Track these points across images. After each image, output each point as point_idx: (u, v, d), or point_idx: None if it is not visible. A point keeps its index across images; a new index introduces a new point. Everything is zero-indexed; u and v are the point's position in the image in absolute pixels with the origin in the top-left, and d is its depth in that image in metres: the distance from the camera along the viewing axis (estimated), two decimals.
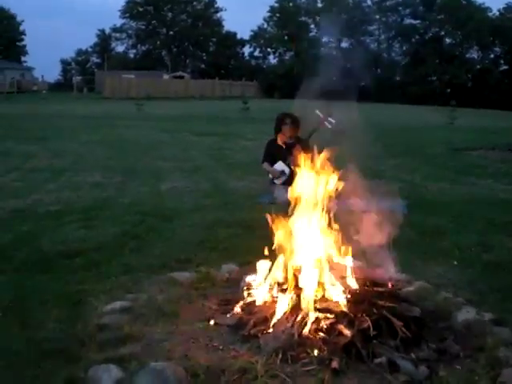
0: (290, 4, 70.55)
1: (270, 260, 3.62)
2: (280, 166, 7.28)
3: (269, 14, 71.56)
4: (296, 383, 2.74)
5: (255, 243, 5.21)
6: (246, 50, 74.88)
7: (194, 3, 71.61)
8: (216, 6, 72.53)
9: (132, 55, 72.47)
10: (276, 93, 61.61)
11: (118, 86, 49.68)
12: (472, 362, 3.01)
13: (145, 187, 8.04)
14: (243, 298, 3.52)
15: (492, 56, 68.12)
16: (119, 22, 70.75)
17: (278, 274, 3.44)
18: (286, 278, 3.34)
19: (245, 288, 3.58)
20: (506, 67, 66.43)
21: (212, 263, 4.49)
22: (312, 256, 3.33)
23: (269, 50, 73.30)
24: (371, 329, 3.03)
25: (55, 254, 4.85)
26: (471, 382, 2.79)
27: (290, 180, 7.20)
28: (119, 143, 13.62)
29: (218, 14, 73.15)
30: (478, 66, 66.40)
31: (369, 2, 70.45)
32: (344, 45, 71.23)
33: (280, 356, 2.90)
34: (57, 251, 4.91)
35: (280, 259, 3.47)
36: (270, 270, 3.53)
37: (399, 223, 3.97)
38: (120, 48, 73.02)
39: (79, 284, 4.10)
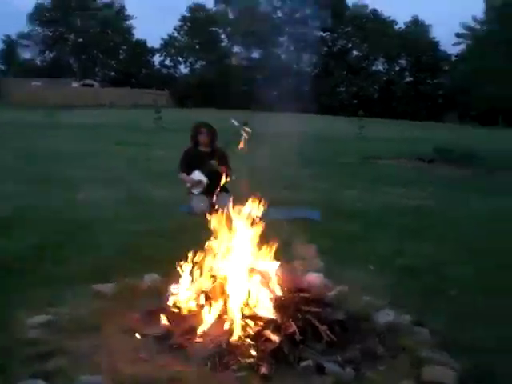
0: (202, 13, 70.69)
1: (194, 269, 3.63)
2: (197, 175, 7.29)
3: (180, 23, 71.45)
4: None
5: (176, 252, 5.20)
6: (157, 58, 74.33)
7: (104, 10, 70.34)
8: (126, 13, 71.67)
9: (39, 62, 70.19)
10: (189, 102, 61.58)
11: (25, 93, 47.97)
12: (395, 361, 3.14)
13: (63, 197, 7.83)
14: (168, 308, 3.50)
15: (398, 68, 70.92)
16: (26, 28, 68.57)
17: (203, 283, 3.45)
18: (212, 287, 3.35)
19: (170, 298, 3.57)
20: (410, 79, 69.37)
21: (134, 273, 4.42)
22: (237, 264, 3.36)
23: (180, 59, 73.06)
24: (297, 334, 3.10)
25: None
26: (396, 380, 2.91)
27: (207, 189, 7.24)
28: (34, 152, 13.17)
29: (129, 22, 72.30)
30: (385, 78, 69.01)
31: (279, 14, 71.71)
32: (255, 55, 72.24)
33: (209, 364, 2.92)
34: None
35: (205, 267, 3.49)
36: (194, 278, 3.54)
37: (315, 230, 4.10)
38: (27, 55, 70.67)
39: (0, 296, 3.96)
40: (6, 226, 6.04)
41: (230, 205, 3.47)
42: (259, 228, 3.53)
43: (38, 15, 67.27)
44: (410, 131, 30.17)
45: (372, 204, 8.34)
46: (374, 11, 69.13)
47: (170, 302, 3.52)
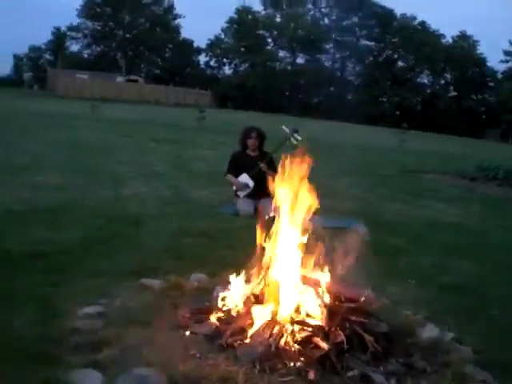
0: (249, 16, 70.98)
1: (242, 271, 3.70)
2: (244, 178, 7.39)
3: (227, 24, 71.90)
4: None
5: (221, 253, 5.33)
6: (202, 58, 74.94)
7: (153, 8, 71.26)
8: (175, 12, 72.47)
9: (86, 55, 71.45)
10: (229, 103, 61.89)
11: (71, 85, 48.83)
12: (438, 377, 3.16)
13: (106, 191, 7.98)
14: (217, 308, 3.58)
15: (443, 82, 70.19)
16: (75, 21, 69.84)
17: (254, 286, 3.52)
18: (262, 291, 3.42)
19: (219, 298, 3.64)
20: (455, 93, 68.58)
21: (179, 271, 4.51)
22: (289, 269, 3.41)
23: (224, 60, 73.52)
24: (345, 343, 3.15)
25: (20, 254, 4.77)
26: None
27: (253, 193, 7.33)
28: (77, 144, 13.39)
29: (177, 21, 73.06)
30: (429, 91, 68.37)
31: (326, 21, 71.64)
32: (300, 61, 72.28)
33: (257, 366, 2.98)
34: (22, 252, 4.83)
35: (256, 271, 3.55)
36: (245, 281, 3.61)
37: (360, 242, 4.14)
38: (75, 47, 71.87)
39: (49, 286, 4.06)
40: (52, 219, 6.13)
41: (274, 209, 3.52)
42: (309, 235, 3.56)
43: (88, 9, 68.42)
44: (451, 146, 29.85)
45: (414, 218, 8.31)
46: (422, 23, 68.51)
47: (220, 303, 3.59)
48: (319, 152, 3.78)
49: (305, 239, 3.54)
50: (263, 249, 3.60)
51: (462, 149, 28.29)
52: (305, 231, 3.54)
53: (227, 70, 74.27)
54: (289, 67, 71.76)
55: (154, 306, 3.72)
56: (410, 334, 3.66)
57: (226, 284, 3.91)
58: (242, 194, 7.38)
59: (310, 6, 71.23)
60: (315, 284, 3.42)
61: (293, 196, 3.52)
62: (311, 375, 2.94)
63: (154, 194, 8.08)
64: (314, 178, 3.61)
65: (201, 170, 11.32)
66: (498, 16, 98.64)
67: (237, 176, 7.44)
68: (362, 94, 64.16)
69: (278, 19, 71.63)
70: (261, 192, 7.33)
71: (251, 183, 7.32)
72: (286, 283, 3.35)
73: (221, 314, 3.49)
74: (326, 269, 3.57)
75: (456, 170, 14.78)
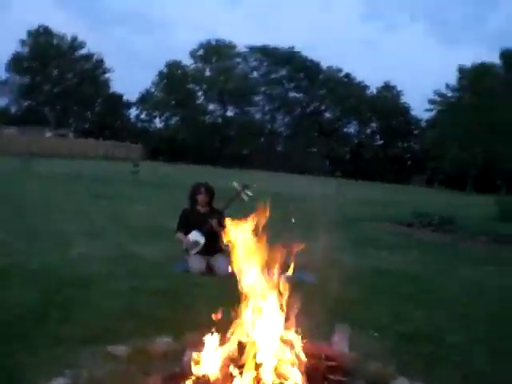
0: (179, 71, 71.74)
1: (213, 333, 3.61)
2: (195, 235, 7.30)
3: (157, 78, 72.36)
4: None
5: (180, 313, 5.22)
6: (133, 112, 74.84)
7: (82, 62, 70.98)
8: (104, 66, 72.36)
9: (13, 110, 70.07)
10: (161, 156, 61.73)
11: None
12: None
13: (52, 252, 7.70)
14: (192, 374, 3.46)
15: (369, 131, 72.65)
16: (3, 76, 68.75)
17: (228, 348, 3.43)
18: (240, 353, 3.33)
19: (192, 363, 3.53)
20: (381, 142, 71.07)
21: (142, 334, 4.37)
22: (264, 330, 3.35)
23: (155, 113, 73.65)
24: None
25: None
26: None
27: (205, 249, 7.27)
28: (13, 201, 12.97)
29: (106, 75, 72.93)
30: (356, 140, 70.57)
31: (255, 74, 73.22)
32: (230, 113, 73.27)
33: None
34: None
35: (229, 332, 3.48)
36: (218, 344, 3.52)
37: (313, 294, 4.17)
38: (1, 102, 70.64)
39: (7, 357, 3.86)
40: None
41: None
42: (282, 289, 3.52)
43: (15, 63, 67.46)
44: (383, 193, 30.70)
45: (362, 267, 8.41)
46: (348, 75, 71.15)
47: (194, 368, 3.48)
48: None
49: (273, 296, 3.50)
50: (232, 309, 3.54)
51: (393, 196, 29.11)
52: (273, 287, 3.51)
53: (158, 124, 74.43)
54: (219, 120, 72.58)
55: (123, 375, 3.57)
56: None
57: (194, 347, 3.81)
58: (193, 251, 7.29)
59: (238, 59, 72.63)
60: (291, 343, 3.37)
61: (251, 251, 3.50)
62: None
63: (100, 252, 7.87)
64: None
65: (141, 225, 11.15)
66: (420, 64, 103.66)
67: (187, 232, 7.36)
68: (291, 144, 65.56)
69: (208, 73, 72.68)
70: (212, 248, 7.31)
71: (202, 240, 7.25)
72: (263, 344, 3.28)
73: (196, 380, 3.38)
74: (298, 327, 3.52)
75: (392, 217, 15.19)
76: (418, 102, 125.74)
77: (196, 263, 7.11)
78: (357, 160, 65.52)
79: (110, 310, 5.18)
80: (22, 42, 68.34)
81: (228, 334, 3.52)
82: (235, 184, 7.54)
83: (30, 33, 68.40)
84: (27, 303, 5.22)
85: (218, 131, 68.27)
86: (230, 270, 7.00)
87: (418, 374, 4.06)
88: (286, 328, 3.45)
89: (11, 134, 51.09)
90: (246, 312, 3.47)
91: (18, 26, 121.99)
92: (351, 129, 73.02)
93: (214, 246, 7.35)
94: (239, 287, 3.56)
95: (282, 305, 3.42)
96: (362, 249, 10.27)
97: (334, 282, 7.11)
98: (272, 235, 3.61)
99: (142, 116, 74.14)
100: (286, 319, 3.41)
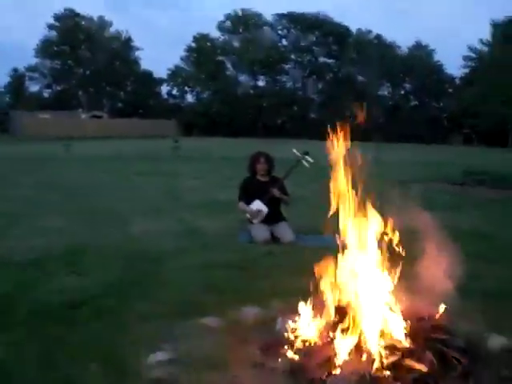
0: (208, 44, 71.43)
1: (304, 300, 3.59)
2: (257, 204, 7.29)
3: (185, 53, 72.23)
4: None
5: (258, 283, 5.21)
6: (164, 88, 75.02)
7: (112, 42, 71.14)
8: (133, 44, 72.44)
9: (47, 95, 70.81)
10: (195, 131, 61.88)
11: (35, 126, 48.32)
12: None
13: (115, 231, 7.77)
14: (289, 341, 3.47)
15: (402, 92, 71.43)
16: (33, 61, 69.33)
17: (327, 314, 3.41)
18: (339, 318, 3.31)
19: (289, 330, 3.53)
20: (415, 102, 69.83)
21: (226, 306, 4.39)
22: (363, 293, 3.32)
23: (186, 88, 73.70)
24: (435, 363, 3.07)
25: (58, 304, 4.57)
26: None
27: (268, 218, 7.25)
28: (64, 186, 13.12)
29: (136, 53, 73.09)
30: (390, 103, 69.49)
31: (284, 42, 72.46)
32: (261, 83, 72.83)
33: None
34: (58, 302, 4.64)
35: (328, 298, 3.46)
36: (315, 310, 3.51)
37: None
38: (34, 87, 71.33)
39: (102, 335, 3.90)
40: (71, 264, 5.92)
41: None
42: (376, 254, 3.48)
43: (45, 48, 68.02)
44: (425, 154, 30.24)
45: (428, 228, 8.26)
46: (378, 36, 69.85)
47: (291, 335, 3.48)
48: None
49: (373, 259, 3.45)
50: (321, 276, 3.51)
51: (435, 156, 28.72)
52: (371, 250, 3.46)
53: (190, 98, 74.52)
54: (250, 91, 72.22)
55: (222, 346, 3.58)
56: (481, 346, 3.60)
57: (286, 315, 3.82)
58: (256, 220, 7.28)
59: (266, 28, 71.94)
60: (393, 304, 3.34)
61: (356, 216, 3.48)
62: None
63: (164, 229, 7.90)
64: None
65: (195, 199, 11.18)
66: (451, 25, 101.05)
67: (249, 202, 7.34)
68: (325, 111, 64.91)
69: (236, 44, 72.19)
70: (275, 217, 7.30)
71: (265, 209, 7.23)
72: (364, 307, 3.26)
73: (295, 347, 3.38)
74: (399, 286, 3.48)
75: (442, 177, 14.95)
76: (451, 60, 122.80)
77: (260, 232, 7.11)
78: (392, 122, 64.61)
79: (188, 284, 5.20)
80: (50, 27, 68.88)
81: (322, 300, 3.51)
82: (295, 151, 7.48)
83: (57, 16, 68.81)
84: (104, 282, 5.26)
85: (250, 102, 67.98)
86: (293, 237, 7.02)
87: (508, 332, 3.97)
88: (387, 290, 3.41)
89: (46, 119, 51.79)
90: (343, 275, 3.45)
91: (43, 10, 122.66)
92: (385, 91, 71.94)
93: (277, 215, 7.34)
94: (338, 249, 3.51)
95: (381, 267, 3.38)
96: (423, 209, 10.10)
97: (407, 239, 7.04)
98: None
99: (174, 92, 74.32)
100: (386, 281, 3.38)
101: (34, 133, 46.02)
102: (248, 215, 7.31)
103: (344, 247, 3.46)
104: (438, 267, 3.76)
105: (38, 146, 32.81)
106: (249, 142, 34.56)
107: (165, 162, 20.57)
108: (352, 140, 3.79)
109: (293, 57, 71.21)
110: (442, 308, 3.56)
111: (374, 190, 3.65)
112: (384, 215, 3.55)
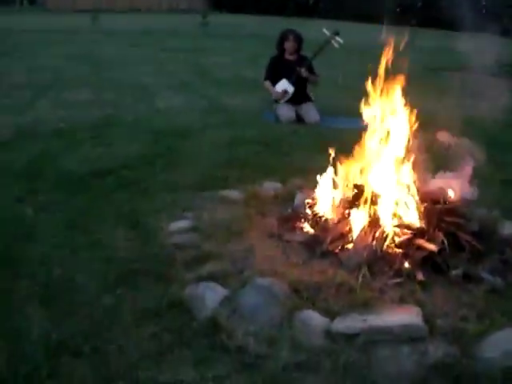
0: None
1: (330, 177, 3.64)
2: (283, 84, 7.20)
3: None
4: (388, 295, 2.86)
5: (282, 160, 5.30)
6: None
7: None
8: None
9: None
10: (224, 7, 59.77)
11: None
12: None
13: (141, 105, 7.84)
14: (306, 215, 3.58)
15: None
16: None
17: (344, 191, 3.49)
18: (356, 194, 3.38)
19: (307, 204, 3.64)
20: None
21: (248, 181, 4.49)
22: (380, 173, 3.37)
23: None
24: (445, 243, 3.16)
25: (84, 173, 4.75)
26: None
27: (294, 98, 7.20)
28: (92, 58, 13.04)
29: None
30: None
31: None
32: None
33: (364, 271, 3.00)
34: (85, 170, 4.82)
35: (344, 176, 3.53)
36: (333, 187, 3.58)
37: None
38: None
39: (128, 203, 4.07)
40: (99, 136, 6.05)
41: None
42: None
43: None
44: (461, 42, 29.03)
45: (458, 117, 8.10)
46: None
47: (308, 210, 3.59)
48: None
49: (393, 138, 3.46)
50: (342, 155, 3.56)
51: (472, 44, 27.50)
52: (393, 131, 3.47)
53: None
54: None
55: (242, 217, 3.71)
56: (494, 232, 3.67)
57: (305, 191, 3.92)
58: (282, 100, 7.23)
59: None
60: (408, 185, 3.39)
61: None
62: (419, 276, 2.96)
63: (190, 105, 7.94)
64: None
65: (224, 76, 11.05)
66: None
67: (276, 81, 7.25)
68: None
69: None
70: (301, 97, 7.25)
71: (291, 89, 7.15)
72: (380, 186, 3.32)
73: (311, 221, 3.50)
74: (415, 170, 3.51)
75: (475, 67, 14.44)
76: None
77: (285, 112, 7.09)
78: (429, 7, 61.79)
79: (213, 158, 5.30)
80: None
81: (341, 177, 3.57)
82: (325, 31, 7.28)
83: None
84: (130, 153, 5.40)
85: None
86: (319, 118, 6.99)
87: None
88: (405, 171, 3.45)
89: None
90: (362, 154, 3.49)
91: None
92: None
93: (303, 95, 7.29)
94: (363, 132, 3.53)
95: (400, 148, 3.40)
96: (457, 98, 9.86)
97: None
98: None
99: None
100: (405, 162, 3.41)
101: (61, 4, 44.94)
102: (274, 95, 7.26)
103: (369, 130, 3.48)
104: (464, 155, 3.75)
105: (65, 17, 32.21)
106: (279, 21, 33.50)
107: (193, 38, 20.13)
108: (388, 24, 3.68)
109: None
110: (459, 193, 3.61)
111: (410, 76, 3.60)
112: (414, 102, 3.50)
